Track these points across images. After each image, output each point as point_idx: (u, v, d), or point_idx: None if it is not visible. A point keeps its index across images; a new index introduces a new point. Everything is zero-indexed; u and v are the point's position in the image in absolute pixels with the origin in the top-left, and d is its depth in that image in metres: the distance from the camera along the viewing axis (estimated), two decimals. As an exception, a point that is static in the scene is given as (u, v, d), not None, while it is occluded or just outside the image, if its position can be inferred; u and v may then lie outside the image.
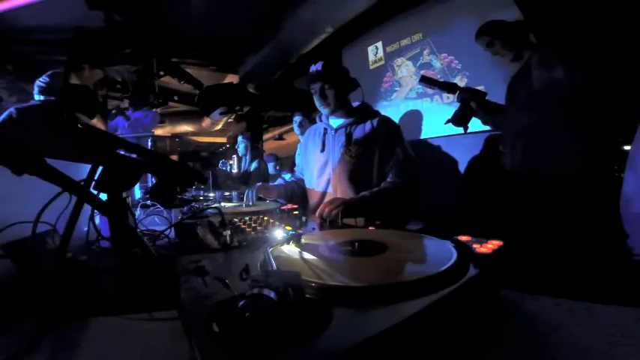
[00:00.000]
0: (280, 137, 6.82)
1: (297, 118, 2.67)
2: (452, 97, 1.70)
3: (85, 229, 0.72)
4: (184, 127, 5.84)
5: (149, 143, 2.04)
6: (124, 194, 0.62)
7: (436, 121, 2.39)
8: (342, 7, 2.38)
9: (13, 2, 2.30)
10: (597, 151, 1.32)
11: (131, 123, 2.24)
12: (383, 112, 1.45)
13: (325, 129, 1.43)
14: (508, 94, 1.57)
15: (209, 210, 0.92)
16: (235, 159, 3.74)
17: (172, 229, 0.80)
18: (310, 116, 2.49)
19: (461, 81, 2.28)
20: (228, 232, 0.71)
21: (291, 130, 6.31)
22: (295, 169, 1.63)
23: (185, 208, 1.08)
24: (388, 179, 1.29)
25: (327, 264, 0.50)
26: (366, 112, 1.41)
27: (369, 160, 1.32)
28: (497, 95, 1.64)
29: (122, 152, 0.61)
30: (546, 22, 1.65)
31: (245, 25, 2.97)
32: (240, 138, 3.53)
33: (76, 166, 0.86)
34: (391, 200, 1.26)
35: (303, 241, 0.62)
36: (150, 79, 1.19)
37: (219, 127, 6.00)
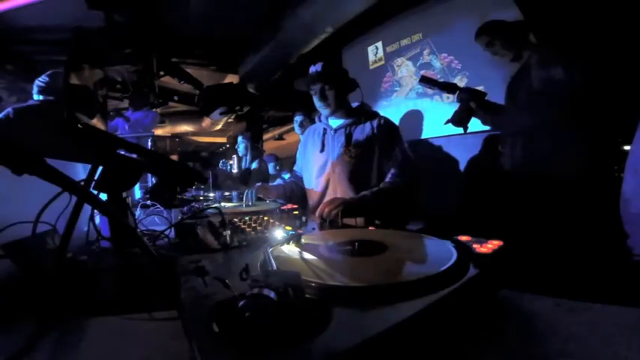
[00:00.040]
0: (280, 137, 6.81)
1: (297, 118, 2.67)
2: (452, 97, 1.70)
3: (85, 229, 0.71)
4: (184, 127, 5.84)
5: (149, 143, 2.04)
6: (124, 194, 0.62)
7: (436, 121, 2.39)
8: (342, 7, 2.38)
9: (13, 2, 2.30)
10: (597, 151, 1.32)
11: (131, 123, 2.24)
12: (383, 112, 1.45)
13: (325, 129, 1.43)
14: (508, 94, 1.58)
15: (209, 210, 0.92)
16: (235, 159, 3.74)
17: (172, 229, 0.80)
18: (311, 116, 2.49)
19: (461, 81, 2.28)
20: (228, 232, 0.71)
21: (291, 130, 6.32)
22: (295, 167, 1.63)
23: (185, 208, 1.08)
24: (387, 179, 1.29)
25: (327, 264, 0.50)
26: (365, 112, 1.41)
27: (369, 160, 1.33)
28: (498, 95, 1.64)
29: (122, 152, 0.61)
30: (546, 22, 1.65)
31: (245, 25, 2.97)
32: (240, 138, 3.53)
33: (76, 166, 0.86)
34: (391, 200, 1.26)
35: (303, 241, 0.63)
36: (150, 79, 1.19)
37: (219, 127, 5.99)
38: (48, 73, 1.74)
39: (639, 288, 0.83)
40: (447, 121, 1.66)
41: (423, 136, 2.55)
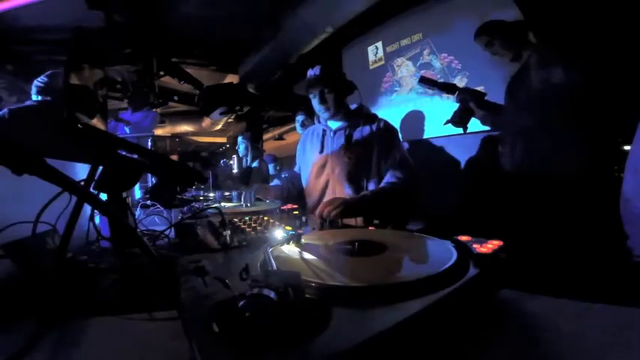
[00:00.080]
0: (280, 137, 6.81)
1: (299, 118, 2.67)
2: (451, 96, 1.70)
3: (85, 229, 0.71)
4: (184, 127, 5.84)
5: (149, 143, 2.04)
6: (124, 194, 0.62)
7: (436, 121, 2.39)
8: (342, 7, 2.38)
9: (13, 2, 2.30)
10: (597, 151, 1.32)
11: (132, 125, 2.25)
12: (383, 113, 1.46)
13: (324, 130, 1.44)
14: (507, 94, 1.58)
15: (209, 210, 0.92)
16: (235, 159, 3.74)
17: (172, 229, 0.80)
18: (312, 116, 2.50)
19: (461, 81, 2.28)
20: (228, 232, 0.71)
21: (291, 130, 6.32)
22: (295, 169, 1.63)
23: (185, 208, 1.08)
24: (386, 180, 1.30)
25: (327, 264, 0.50)
26: (364, 114, 1.42)
27: (368, 162, 1.34)
28: (498, 95, 1.64)
29: (122, 152, 0.61)
30: (546, 22, 1.65)
31: (245, 25, 2.96)
32: (240, 139, 3.53)
33: (76, 166, 0.86)
34: (391, 200, 1.26)
35: (303, 241, 0.63)
36: (150, 79, 1.19)
37: (219, 127, 5.99)
38: (47, 73, 1.74)
39: (639, 288, 0.83)
40: (447, 122, 1.66)
41: (423, 137, 2.55)
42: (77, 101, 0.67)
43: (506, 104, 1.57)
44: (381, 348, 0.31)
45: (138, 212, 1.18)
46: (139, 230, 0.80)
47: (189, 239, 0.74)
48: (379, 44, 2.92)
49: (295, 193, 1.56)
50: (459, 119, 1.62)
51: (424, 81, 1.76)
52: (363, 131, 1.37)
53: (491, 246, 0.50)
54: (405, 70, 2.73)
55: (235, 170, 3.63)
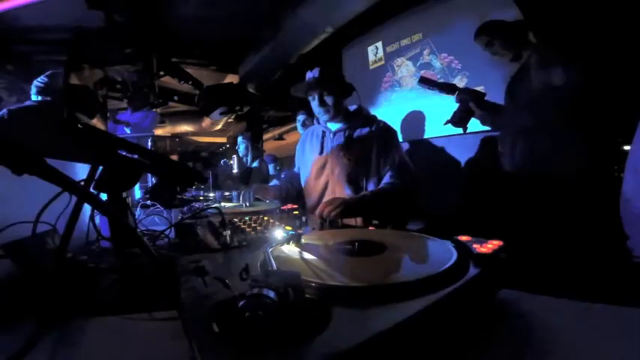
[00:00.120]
0: (280, 137, 6.82)
1: (300, 117, 2.67)
2: (452, 97, 1.70)
3: (85, 229, 0.71)
4: (184, 127, 5.85)
5: (149, 143, 2.04)
6: (124, 194, 0.62)
7: (436, 121, 2.39)
8: (342, 7, 2.38)
9: (13, 2, 2.30)
10: (597, 151, 1.32)
11: (132, 126, 2.25)
12: (383, 113, 1.46)
13: (324, 132, 1.44)
14: (507, 94, 1.58)
15: (209, 210, 0.92)
16: (235, 159, 3.74)
17: (172, 229, 0.80)
18: (313, 115, 2.50)
19: (461, 81, 2.28)
20: (228, 232, 0.71)
21: (291, 130, 6.32)
22: (294, 169, 1.64)
23: (185, 208, 1.08)
24: (385, 181, 1.31)
25: (327, 264, 0.50)
26: (363, 116, 1.43)
27: (367, 163, 1.35)
28: (498, 95, 1.64)
29: (122, 152, 0.61)
30: (546, 22, 1.65)
31: (245, 25, 2.97)
32: (240, 139, 3.53)
33: (76, 166, 0.86)
34: (390, 201, 1.27)
35: (303, 241, 0.63)
36: (150, 79, 1.19)
37: (219, 127, 6.00)
38: (47, 73, 1.74)
39: (639, 288, 0.83)
40: (447, 122, 1.66)
41: (424, 137, 2.55)
42: (77, 101, 0.66)
43: (506, 104, 1.57)
44: (381, 348, 0.31)
45: (138, 212, 1.18)
46: (139, 230, 0.80)
47: (189, 239, 0.74)
48: (379, 44, 2.92)
49: (294, 193, 1.56)
50: (459, 119, 1.62)
51: (424, 81, 1.76)
52: (362, 133, 1.37)
53: (491, 246, 0.50)
54: (405, 70, 2.73)
55: (235, 170, 3.63)
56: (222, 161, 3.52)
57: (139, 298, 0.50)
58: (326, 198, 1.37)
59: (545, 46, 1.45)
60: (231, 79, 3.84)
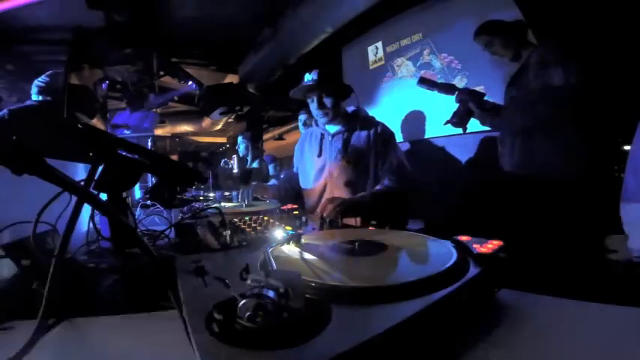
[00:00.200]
0: (280, 137, 6.82)
1: (301, 117, 2.67)
2: (452, 97, 1.70)
3: (85, 229, 0.72)
4: (184, 127, 5.84)
5: (149, 143, 2.05)
6: (124, 194, 0.62)
7: (436, 121, 2.39)
8: (342, 7, 2.38)
9: (13, 2, 2.30)
10: (597, 151, 1.32)
11: (132, 127, 2.25)
12: (383, 113, 1.46)
13: (322, 134, 1.44)
14: (507, 94, 1.57)
15: (209, 210, 0.92)
16: (235, 159, 3.74)
17: (172, 229, 0.80)
18: None
19: (461, 81, 2.28)
20: (228, 232, 0.71)
21: (291, 130, 6.32)
22: (294, 169, 1.64)
23: (185, 208, 1.08)
24: (384, 183, 1.32)
25: (327, 264, 0.50)
26: (362, 118, 1.43)
27: (365, 166, 1.36)
28: (497, 95, 1.64)
29: (122, 152, 0.61)
30: (546, 21, 1.65)
31: (245, 25, 2.96)
32: (240, 139, 3.52)
33: (76, 166, 0.86)
34: (388, 202, 1.29)
35: (303, 241, 0.63)
36: (150, 79, 1.19)
37: (219, 127, 6.00)
38: (47, 73, 1.74)
39: (639, 288, 0.83)
40: (446, 122, 1.66)
41: (424, 137, 2.55)
42: (77, 101, 0.67)
43: (505, 104, 1.57)
44: (381, 348, 0.31)
45: (138, 212, 1.19)
46: (139, 230, 0.80)
47: (189, 239, 0.74)
48: (379, 44, 2.92)
49: (293, 193, 1.57)
50: (459, 120, 1.62)
51: (423, 82, 1.76)
52: (360, 135, 1.38)
53: (491, 246, 0.50)
54: (405, 70, 2.73)
55: (235, 170, 3.63)
56: (222, 161, 3.51)
57: (139, 298, 0.50)
58: (324, 199, 1.37)
59: (545, 46, 1.44)
60: (231, 79, 3.84)
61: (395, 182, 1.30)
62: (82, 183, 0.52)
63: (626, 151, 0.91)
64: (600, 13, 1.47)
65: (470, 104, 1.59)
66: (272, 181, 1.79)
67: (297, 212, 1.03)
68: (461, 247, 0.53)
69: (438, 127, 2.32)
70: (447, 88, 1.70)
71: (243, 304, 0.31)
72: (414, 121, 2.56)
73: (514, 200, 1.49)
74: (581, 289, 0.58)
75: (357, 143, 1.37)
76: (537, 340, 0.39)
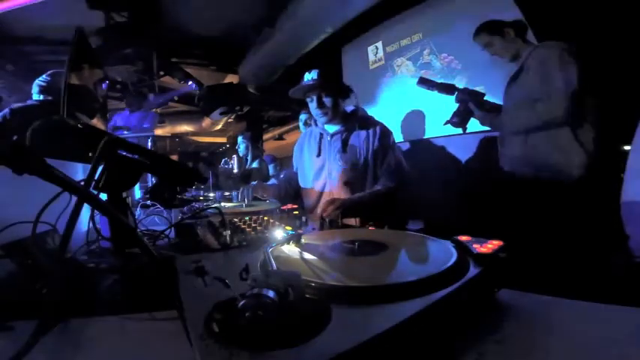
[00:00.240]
0: (280, 137, 6.82)
1: (302, 117, 2.67)
2: (451, 97, 1.70)
3: (85, 229, 0.72)
4: (184, 127, 5.85)
5: (149, 143, 2.05)
6: (124, 194, 0.62)
7: (436, 121, 2.39)
8: (342, 7, 2.38)
9: (14, 2, 2.30)
10: (597, 151, 1.32)
11: (132, 127, 2.25)
12: (383, 113, 1.46)
13: (321, 134, 1.45)
14: (506, 94, 1.57)
15: (209, 210, 0.92)
16: (235, 159, 3.74)
17: (172, 229, 0.80)
18: None
19: (461, 81, 2.28)
20: (228, 232, 0.71)
21: (291, 130, 6.32)
22: (294, 170, 1.64)
23: (185, 208, 1.08)
24: (382, 182, 1.32)
25: (327, 264, 0.50)
26: (360, 118, 1.44)
27: (364, 166, 1.36)
28: (497, 95, 1.64)
29: (122, 152, 0.61)
30: (546, 21, 1.65)
31: (245, 25, 2.97)
32: (240, 138, 3.52)
33: (76, 166, 0.86)
34: (386, 202, 1.30)
35: (303, 241, 0.63)
36: (150, 79, 1.19)
37: (219, 127, 6.00)
38: (49, 72, 1.74)
39: (639, 288, 0.83)
40: (446, 122, 1.66)
41: (424, 136, 2.55)
42: (77, 101, 0.67)
43: (505, 104, 1.57)
44: (381, 348, 0.31)
45: (138, 212, 1.19)
46: (139, 230, 0.80)
47: (189, 239, 0.74)
48: (379, 44, 2.92)
49: (292, 193, 1.57)
50: (459, 120, 1.62)
51: (423, 82, 1.76)
52: (359, 136, 1.38)
53: (491, 246, 0.50)
54: (405, 70, 2.73)
55: (235, 170, 3.63)
56: (223, 161, 3.52)
57: (139, 298, 0.50)
58: (324, 199, 1.38)
59: (545, 46, 1.44)
60: (231, 79, 3.84)
61: (393, 182, 1.31)
62: (82, 183, 0.52)
63: (626, 151, 0.91)
64: (600, 13, 1.47)
65: (470, 104, 1.59)
66: (272, 181, 1.79)
67: (297, 212, 1.03)
68: (461, 247, 0.52)
69: (438, 127, 2.32)
70: (447, 88, 1.70)
71: (243, 304, 0.31)
72: (414, 121, 2.56)
73: (514, 200, 1.49)
74: (581, 289, 0.58)
75: (356, 143, 1.37)
76: (537, 340, 0.39)
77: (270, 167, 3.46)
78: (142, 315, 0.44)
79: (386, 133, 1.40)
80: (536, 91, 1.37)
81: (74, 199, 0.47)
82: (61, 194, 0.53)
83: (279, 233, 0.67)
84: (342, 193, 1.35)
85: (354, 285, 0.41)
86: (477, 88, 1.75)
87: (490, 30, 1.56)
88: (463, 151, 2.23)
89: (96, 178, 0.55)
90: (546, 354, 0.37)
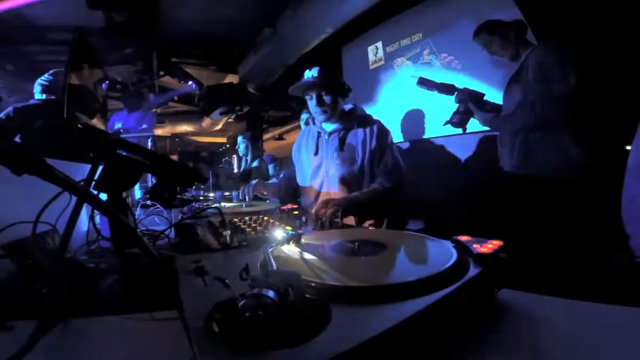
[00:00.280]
0: (280, 137, 6.82)
1: (304, 116, 2.67)
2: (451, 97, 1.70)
3: (85, 229, 0.72)
4: (184, 127, 5.85)
5: (149, 143, 2.05)
6: (124, 194, 0.62)
7: (436, 121, 2.39)
8: (342, 7, 2.38)
9: (14, 2, 2.30)
10: (597, 151, 1.32)
11: (132, 127, 2.25)
12: (382, 113, 1.46)
13: (319, 133, 1.45)
14: (506, 94, 1.57)
15: (209, 210, 0.92)
16: (235, 159, 3.74)
17: (172, 229, 0.80)
18: None
19: (461, 81, 2.27)
20: (228, 232, 0.71)
21: (291, 130, 6.31)
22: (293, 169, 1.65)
23: (185, 208, 1.08)
24: (379, 181, 1.32)
25: (327, 264, 0.50)
26: (358, 117, 1.44)
27: (361, 164, 1.36)
28: (497, 95, 1.64)
29: (122, 152, 0.61)
30: (546, 21, 1.65)
31: (245, 25, 2.97)
32: (240, 138, 3.52)
33: (76, 166, 0.86)
34: (384, 201, 1.30)
35: (303, 241, 0.63)
36: (150, 79, 1.19)
37: (219, 127, 6.00)
38: (51, 72, 1.74)
39: (639, 288, 0.83)
40: (446, 122, 1.66)
41: (424, 136, 2.55)
42: (77, 101, 0.67)
43: (504, 104, 1.57)
44: (381, 348, 0.31)
45: (138, 212, 1.18)
46: (139, 230, 0.80)
47: (189, 239, 0.74)
48: (379, 44, 2.92)
49: (291, 192, 1.57)
50: (458, 120, 1.62)
51: (423, 82, 1.76)
52: (357, 134, 1.38)
53: (491, 246, 0.50)
54: (405, 70, 2.73)
55: (235, 170, 3.63)
56: (223, 160, 3.52)
57: (139, 298, 0.50)
58: (321, 198, 1.38)
59: (545, 46, 1.44)
60: (231, 79, 3.84)
61: (390, 182, 1.31)
62: (82, 183, 0.52)
63: (627, 151, 0.91)
64: (600, 13, 1.47)
65: (469, 104, 1.59)
66: (272, 181, 1.80)
67: (297, 212, 1.03)
68: (461, 247, 0.53)
69: (437, 127, 2.32)
70: (447, 89, 1.71)
71: (243, 304, 0.31)
72: (414, 120, 2.56)
73: (514, 200, 1.49)
74: (581, 289, 0.58)
75: (354, 142, 1.37)
76: (537, 340, 0.39)
77: (270, 167, 3.46)
78: (142, 315, 0.44)
79: (384, 132, 1.40)
80: (535, 91, 1.37)
81: (74, 199, 0.47)
82: (61, 194, 0.53)
83: (279, 233, 0.67)
84: (339, 192, 1.35)
85: (354, 285, 0.41)
86: (477, 88, 1.75)
87: (490, 30, 1.56)
88: (463, 151, 2.23)
89: (96, 178, 0.55)
90: (546, 354, 0.37)
